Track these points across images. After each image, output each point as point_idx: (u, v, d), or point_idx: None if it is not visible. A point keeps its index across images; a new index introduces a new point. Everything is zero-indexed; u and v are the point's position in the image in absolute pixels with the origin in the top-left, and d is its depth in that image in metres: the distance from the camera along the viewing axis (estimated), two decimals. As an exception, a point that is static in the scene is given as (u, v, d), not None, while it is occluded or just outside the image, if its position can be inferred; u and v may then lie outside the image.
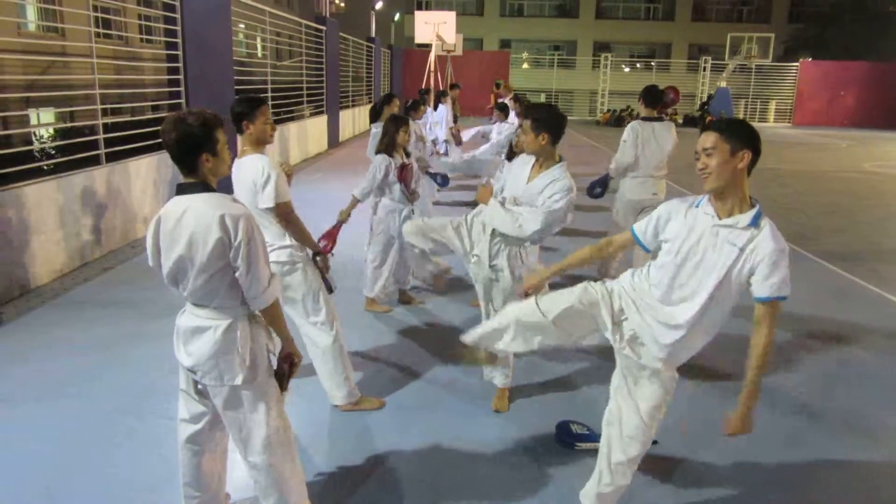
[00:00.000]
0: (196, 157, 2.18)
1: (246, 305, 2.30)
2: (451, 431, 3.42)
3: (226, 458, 2.65)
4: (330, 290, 3.45)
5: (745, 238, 2.20)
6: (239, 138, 3.24)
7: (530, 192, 3.27)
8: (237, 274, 2.22)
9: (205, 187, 2.22)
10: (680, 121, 28.85)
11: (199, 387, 2.38)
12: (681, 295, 2.35)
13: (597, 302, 2.57)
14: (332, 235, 4.31)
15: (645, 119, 5.45)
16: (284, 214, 3.18)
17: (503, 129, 8.28)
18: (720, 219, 2.26)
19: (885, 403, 3.91)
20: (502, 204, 3.35)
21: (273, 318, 2.38)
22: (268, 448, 2.38)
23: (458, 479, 3.04)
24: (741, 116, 30.40)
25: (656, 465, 3.09)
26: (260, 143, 3.23)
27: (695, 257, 2.29)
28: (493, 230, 3.37)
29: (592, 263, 2.62)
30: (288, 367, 2.46)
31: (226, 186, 2.42)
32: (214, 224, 2.13)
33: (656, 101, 5.54)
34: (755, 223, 2.21)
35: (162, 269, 2.27)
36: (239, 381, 2.27)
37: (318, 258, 3.39)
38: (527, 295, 2.76)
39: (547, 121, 3.21)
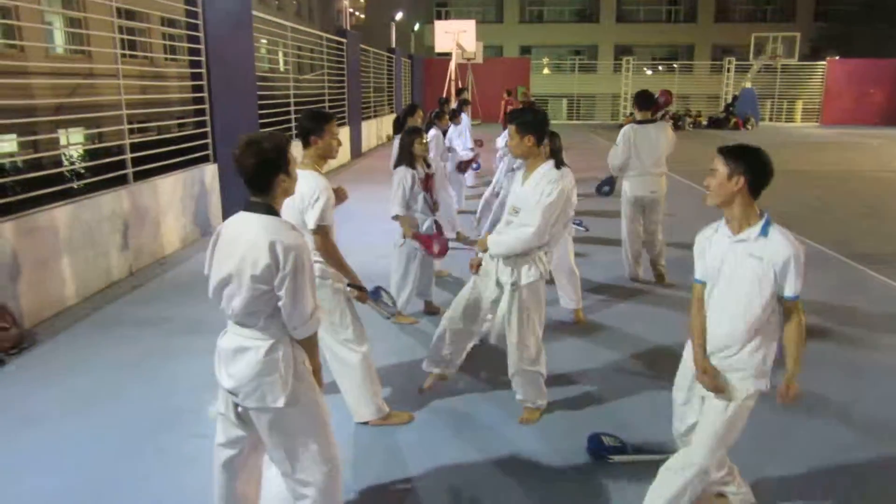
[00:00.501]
0: (273, 179, 2.23)
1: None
2: (481, 445, 3.39)
3: (260, 482, 2.63)
4: (387, 316, 3.49)
5: (759, 248, 2.41)
6: (302, 151, 3.31)
7: (525, 194, 3.35)
8: (280, 303, 2.21)
9: (268, 209, 2.26)
10: (704, 122, 28.54)
11: (239, 410, 2.34)
12: (726, 314, 2.50)
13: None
14: (428, 241, 4.62)
15: (639, 122, 5.92)
16: (323, 237, 3.21)
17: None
18: (735, 235, 2.47)
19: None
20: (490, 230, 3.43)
21: (309, 348, 2.37)
22: (318, 465, 2.37)
23: (490, 493, 3.00)
24: (767, 117, 30.09)
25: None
26: (323, 158, 3.32)
27: (726, 275, 2.49)
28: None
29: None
30: None
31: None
32: (266, 249, 2.15)
33: (649, 103, 5.99)
34: (764, 233, 2.42)
35: (210, 280, 2.29)
36: (281, 402, 2.24)
37: (350, 288, 3.36)
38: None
39: (531, 123, 3.35)
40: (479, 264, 3.60)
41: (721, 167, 2.45)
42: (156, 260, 6.79)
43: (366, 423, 3.54)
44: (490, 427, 3.57)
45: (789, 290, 2.41)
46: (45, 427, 3.55)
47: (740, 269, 2.44)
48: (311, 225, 3.15)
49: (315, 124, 3.26)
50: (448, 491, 3.03)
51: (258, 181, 2.23)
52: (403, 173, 4.79)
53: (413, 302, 5.16)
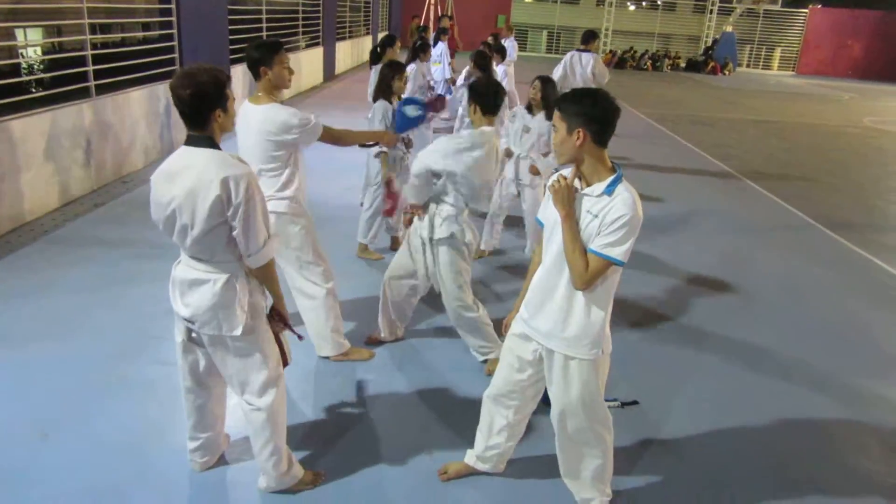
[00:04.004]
0: (209, 114, 2.21)
1: (242, 260, 2.34)
2: (439, 383, 3.51)
3: (225, 401, 2.75)
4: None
5: (600, 205, 2.18)
6: (255, 84, 3.25)
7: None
8: (234, 233, 2.25)
9: (210, 143, 2.25)
10: (683, 65, 28.34)
11: (193, 335, 2.46)
12: (555, 267, 2.32)
13: (517, 360, 2.55)
14: (392, 197, 4.68)
15: (579, 50, 8.46)
16: (326, 131, 3.28)
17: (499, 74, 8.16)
18: (581, 189, 2.25)
19: (862, 369, 4.03)
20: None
21: (266, 277, 2.42)
22: (266, 391, 2.48)
23: (442, 428, 3.12)
24: (744, 63, 29.98)
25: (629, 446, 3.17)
26: (277, 89, 3.25)
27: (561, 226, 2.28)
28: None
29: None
30: (280, 324, 2.53)
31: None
32: (216, 183, 2.16)
33: (588, 39, 8.59)
34: (609, 191, 2.18)
35: (156, 214, 2.30)
36: (239, 331, 2.34)
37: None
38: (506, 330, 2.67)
39: (483, 96, 3.36)
40: (411, 220, 3.61)
41: (559, 122, 2.21)
42: (119, 177, 6.64)
43: (327, 358, 3.62)
44: (450, 367, 3.68)
45: (597, 244, 2.16)
46: (5, 351, 3.54)
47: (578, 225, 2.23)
48: (314, 140, 3.22)
49: (264, 54, 3.15)
50: (400, 424, 3.15)
51: (194, 114, 2.21)
52: (379, 107, 4.73)
53: (381, 237, 5.19)
